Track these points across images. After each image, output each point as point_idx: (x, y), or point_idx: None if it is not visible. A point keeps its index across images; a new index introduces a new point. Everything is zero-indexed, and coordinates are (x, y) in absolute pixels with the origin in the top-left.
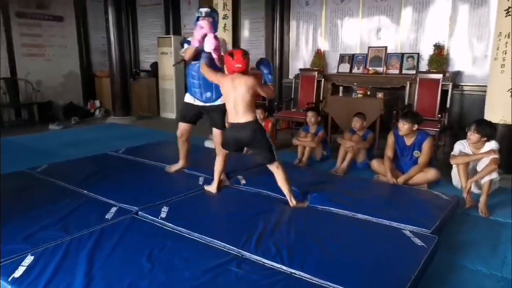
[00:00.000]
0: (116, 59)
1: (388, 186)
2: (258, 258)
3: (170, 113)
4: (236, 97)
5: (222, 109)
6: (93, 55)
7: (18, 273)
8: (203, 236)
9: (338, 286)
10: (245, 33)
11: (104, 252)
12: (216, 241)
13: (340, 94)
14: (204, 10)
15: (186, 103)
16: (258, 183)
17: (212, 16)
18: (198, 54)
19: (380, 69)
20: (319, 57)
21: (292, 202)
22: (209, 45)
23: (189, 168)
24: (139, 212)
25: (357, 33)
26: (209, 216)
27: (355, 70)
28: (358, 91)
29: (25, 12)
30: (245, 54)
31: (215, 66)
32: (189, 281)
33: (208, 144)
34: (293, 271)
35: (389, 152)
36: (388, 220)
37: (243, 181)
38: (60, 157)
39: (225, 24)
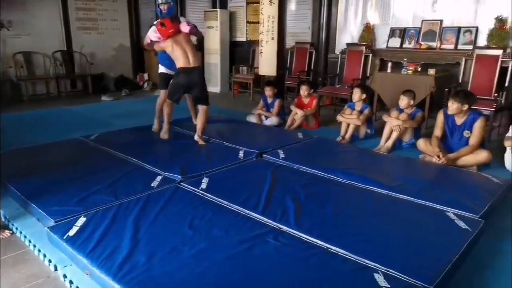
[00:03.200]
0: None
1: (434, 167)
2: (295, 231)
3: (214, 87)
4: (184, 48)
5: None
6: (143, 29)
7: (72, 232)
8: (242, 208)
9: (375, 264)
10: (291, 6)
11: (149, 218)
12: (254, 213)
13: (389, 70)
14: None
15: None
16: (296, 158)
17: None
18: None
19: (433, 44)
20: (368, 31)
21: (197, 138)
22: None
23: (230, 142)
24: (181, 183)
25: (410, 6)
26: (247, 189)
27: (406, 45)
28: (408, 67)
29: None
30: (172, 20)
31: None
32: (227, 249)
33: (250, 118)
34: (329, 246)
35: (437, 131)
36: (432, 202)
37: (282, 155)
38: (111, 126)
39: None
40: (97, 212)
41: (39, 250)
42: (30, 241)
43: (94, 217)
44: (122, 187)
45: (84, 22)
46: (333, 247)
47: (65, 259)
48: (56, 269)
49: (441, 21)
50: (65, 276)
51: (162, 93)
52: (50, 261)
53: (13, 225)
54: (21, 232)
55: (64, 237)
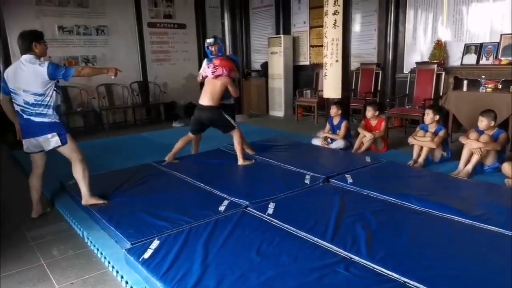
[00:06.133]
0: None
1: None
2: (367, 262)
3: (278, 112)
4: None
5: None
6: None
7: (147, 254)
8: (310, 235)
9: None
10: (356, 28)
11: (218, 242)
12: (322, 241)
13: (464, 89)
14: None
15: None
16: (366, 183)
17: (217, 43)
18: None
19: None
20: (440, 48)
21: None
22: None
23: (295, 166)
24: (248, 207)
25: (487, 19)
26: (315, 215)
27: (483, 61)
28: (486, 85)
29: (155, 22)
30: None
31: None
32: (296, 278)
33: (315, 142)
34: (407, 280)
35: None
36: None
37: (350, 180)
38: (181, 152)
39: (335, 20)
40: (169, 235)
41: (117, 272)
42: (109, 262)
43: (167, 240)
44: (191, 211)
45: (158, 54)
46: (411, 282)
47: (140, 281)
48: None
49: None
50: None
51: None
52: (127, 282)
53: (94, 246)
54: (101, 253)
55: (140, 260)
